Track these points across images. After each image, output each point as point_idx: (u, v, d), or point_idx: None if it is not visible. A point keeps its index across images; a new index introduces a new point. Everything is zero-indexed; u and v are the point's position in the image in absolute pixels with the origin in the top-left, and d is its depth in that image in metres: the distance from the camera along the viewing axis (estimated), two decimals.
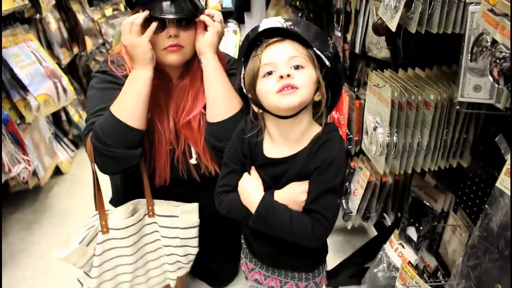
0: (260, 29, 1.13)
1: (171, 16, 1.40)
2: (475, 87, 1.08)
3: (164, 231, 1.59)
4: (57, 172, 3.14)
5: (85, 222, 1.56)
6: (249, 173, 1.23)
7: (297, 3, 2.59)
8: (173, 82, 1.58)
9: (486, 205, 0.92)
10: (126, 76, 1.47)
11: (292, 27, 1.12)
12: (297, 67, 1.10)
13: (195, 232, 1.59)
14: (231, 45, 5.47)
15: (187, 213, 1.58)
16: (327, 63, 1.13)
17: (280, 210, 1.15)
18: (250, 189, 1.19)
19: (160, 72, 1.51)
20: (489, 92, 1.07)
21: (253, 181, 1.21)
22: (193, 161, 1.61)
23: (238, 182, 1.23)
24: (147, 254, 1.63)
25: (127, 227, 1.53)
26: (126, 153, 1.41)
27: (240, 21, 4.24)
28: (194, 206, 1.58)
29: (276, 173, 1.19)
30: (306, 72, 1.10)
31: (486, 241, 0.92)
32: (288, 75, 1.07)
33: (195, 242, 1.61)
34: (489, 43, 0.82)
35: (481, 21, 0.82)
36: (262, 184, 1.20)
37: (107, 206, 1.60)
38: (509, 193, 0.89)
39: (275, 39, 1.12)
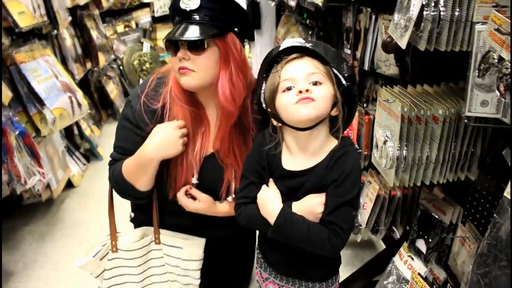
0: (281, 48, 1.19)
1: (179, 38, 1.36)
2: (482, 102, 1.12)
3: (167, 259, 1.65)
4: (69, 185, 3.19)
5: (101, 239, 1.67)
6: (268, 185, 1.27)
7: (307, 21, 2.65)
8: (205, 110, 1.54)
9: (495, 214, 0.96)
10: (153, 112, 1.49)
11: (312, 47, 1.18)
12: (315, 83, 1.15)
13: (197, 265, 1.63)
14: None
15: (192, 246, 1.62)
16: (344, 82, 1.19)
17: (298, 221, 1.19)
18: (269, 200, 1.23)
19: (192, 98, 1.50)
20: (496, 107, 1.11)
21: (271, 193, 1.25)
22: (229, 199, 1.58)
23: (257, 194, 1.27)
24: (154, 277, 1.69)
25: (133, 250, 1.62)
26: (136, 200, 1.61)
27: (250, 39, 4.30)
28: (201, 241, 1.62)
29: (294, 185, 1.24)
30: (324, 87, 1.16)
31: (495, 249, 0.95)
32: (307, 90, 1.13)
33: (197, 274, 1.64)
34: (496, 60, 0.87)
35: (488, 39, 0.87)
36: (280, 195, 1.24)
37: (124, 226, 1.69)
38: None
39: (294, 55, 1.18)
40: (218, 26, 1.39)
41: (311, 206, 1.20)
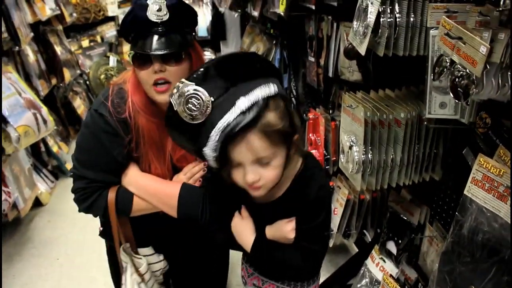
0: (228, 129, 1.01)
1: (154, 52, 1.32)
2: (441, 104, 1.16)
3: None
4: (37, 203, 3.11)
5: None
6: (240, 212, 1.29)
7: (271, 31, 2.68)
8: None
9: (456, 213, 0.99)
10: (123, 121, 1.43)
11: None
12: (266, 163, 1.06)
13: None
14: None
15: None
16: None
17: (272, 249, 1.22)
18: (243, 231, 1.26)
19: (158, 109, 1.46)
20: (454, 108, 1.15)
21: (244, 223, 1.27)
22: None
23: (229, 219, 1.28)
24: None
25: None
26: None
27: (216, 50, 4.32)
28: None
29: (263, 214, 1.25)
30: (275, 162, 1.07)
31: (458, 246, 0.98)
32: (255, 180, 1.06)
33: None
34: (448, 63, 0.90)
35: (439, 43, 0.90)
36: (253, 223, 1.26)
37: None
38: (477, 200, 0.96)
39: (238, 136, 1.01)
40: (185, 34, 1.39)
41: (283, 232, 1.22)
